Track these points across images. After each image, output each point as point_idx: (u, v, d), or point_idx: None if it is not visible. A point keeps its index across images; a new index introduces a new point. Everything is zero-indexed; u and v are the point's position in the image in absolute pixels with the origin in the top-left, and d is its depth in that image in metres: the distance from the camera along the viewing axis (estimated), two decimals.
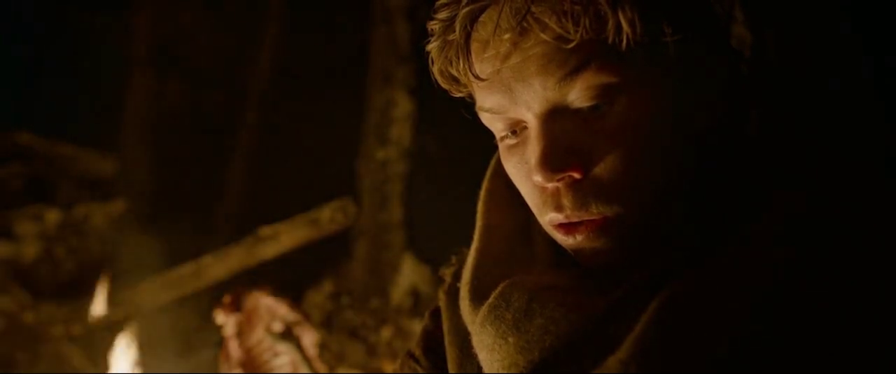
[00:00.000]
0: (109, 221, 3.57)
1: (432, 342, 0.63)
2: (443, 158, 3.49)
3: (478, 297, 0.55)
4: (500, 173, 0.60)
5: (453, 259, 0.63)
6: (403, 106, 3.59)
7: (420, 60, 3.62)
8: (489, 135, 0.59)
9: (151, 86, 3.92)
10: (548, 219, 0.53)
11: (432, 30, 0.55)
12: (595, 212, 0.50)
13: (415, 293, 3.47)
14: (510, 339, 0.50)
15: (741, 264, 0.46)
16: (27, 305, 3.03)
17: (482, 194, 0.62)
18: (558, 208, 0.51)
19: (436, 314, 0.64)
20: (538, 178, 0.51)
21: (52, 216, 3.43)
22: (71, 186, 3.76)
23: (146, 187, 3.79)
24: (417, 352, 0.64)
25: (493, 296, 0.53)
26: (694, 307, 0.45)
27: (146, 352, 2.53)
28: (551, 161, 0.50)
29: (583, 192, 0.50)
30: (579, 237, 0.51)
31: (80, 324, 2.78)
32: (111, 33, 3.95)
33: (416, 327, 3.30)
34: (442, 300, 0.62)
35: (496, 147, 0.59)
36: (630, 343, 0.45)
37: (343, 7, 3.79)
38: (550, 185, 0.51)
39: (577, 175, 0.50)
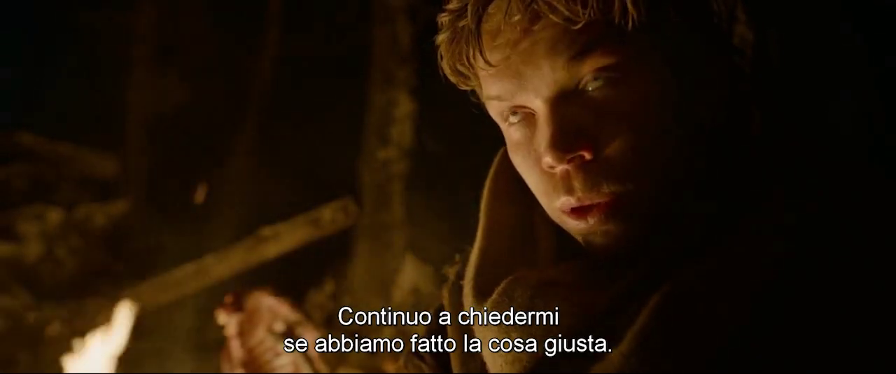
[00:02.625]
0: (111, 221, 3.58)
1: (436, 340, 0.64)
2: (443, 158, 3.50)
3: (481, 294, 0.55)
4: (504, 172, 0.60)
5: (457, 258, 0.64)
6: (404, 106, 3.59)
7: (421, 60, 3.63)
8: (490, 134, 0.59)
9: (153, 86, 3.93)
10: (559, 204, 0.53)
11: (442, 22, 0.56)
12: (606, 192, 0.51)
13: (416, 292, 3.47)
14: (513, 336, 0.51)
15: (742, 258, 0.47)
16: (29, 304, 3.04)
17: (485, 192, 0.62)
18: (569, 190, 0.52)
19: (440, 311, 0.64)
20: (548, 159, 0.51)
21: (54, 216, 3.44)
22: (73, 186, 3.77)
23: (147, 187, 3.80)
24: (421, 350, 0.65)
25: (495, 293, 0.53)
26: (694, 301, 0.46)
27: (149, 352, 2.54)
28: (561, 141, 0.51)
29: (593, 172, 0.51)
30: (592, 220, 0.52)
31: (81, 324, 2.78)
32: (113, 34, 3.95)
33: (418, 326, 3.29)
34: (445, 298, 0.62)
35: (497, 146, 0.59)
36: (631, 337, 0.46)
37: (344, 7, 3.79)
38: (560, 167, 0.52)
39: (587, 155, 0.51)
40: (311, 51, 3.85)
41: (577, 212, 0.52)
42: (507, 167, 0.59)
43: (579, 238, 0.54)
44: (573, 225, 0.53)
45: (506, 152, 0.59)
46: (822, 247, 0.46)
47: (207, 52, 3.95)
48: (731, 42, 0.54)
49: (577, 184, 0.51)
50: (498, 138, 0.59)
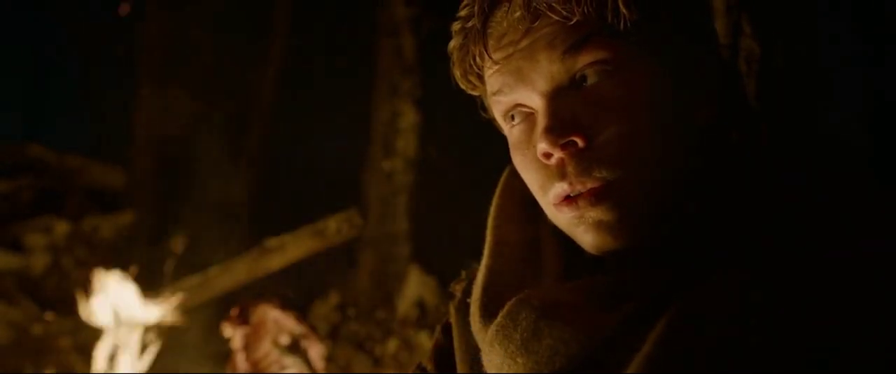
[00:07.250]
0: (117, 232, 3.59)
1: (443, 357, 0.64)
2: (449, 169, 3.50)
3: (487, 315, 0.55)
4: (510, 190, 0.61)
5: (463, 274, 0.64)
6: (409, 117, 3.60)
7: (425, 72, 3.64)
8: (494, 145, 0.60)
9: (159, 99, 3.95)
10: (553, 193, 0.55)
11: (453, 30, 0.60)
12: (597, 177, 0.53)
13: (421, 305, 3.46)
14: (519, 360, 0.51)
15: (748, 283, 0.47)
16: (35, 316, 3.04)
17: (492, 210, 0.63)
18: (563, 176, 0.54)
19: (447, 328, 0.64)
20: (543, 144, 0.54)
21: (61, 228, 3.45)
22: (80, 197, 3.78)
23: (153, 199, 3.81)
24: (429, 366, 0.65)
25: (501, 315, 0.54)
26: (700, 328, 0.46)
27: (153, 363, 2.53)
28: (555, 127, 0.54)
29: (586, 159, 0.54)
30: (582, 205, 0.53)
31: (87, 335, 2.78)
32: (120, 47, 3.99)
33: (422, 338, 3.29)
34: (452, 316, 0.62)
35: (503, 157, 0.60)
36: (638, 363, 0.46)
37: (349, 20, 3.82)
38: (556, 154, 0.54)
39: (580, 142, 0.54)
40: (316, 63, 3.87)
41: (570, 201, 0.54)
42: (513, 186, 0.60)
43: (575, 236, 0.55)
44: (566, 216, 0.55)
45: (511, 172, 0.60)
46: (830, 273, 0.46)
47: (213, 63, 3.97)
48: (723, 52, 0.56)
49: (570, 169, 0.54)
50: (503, 150, 0.60)
